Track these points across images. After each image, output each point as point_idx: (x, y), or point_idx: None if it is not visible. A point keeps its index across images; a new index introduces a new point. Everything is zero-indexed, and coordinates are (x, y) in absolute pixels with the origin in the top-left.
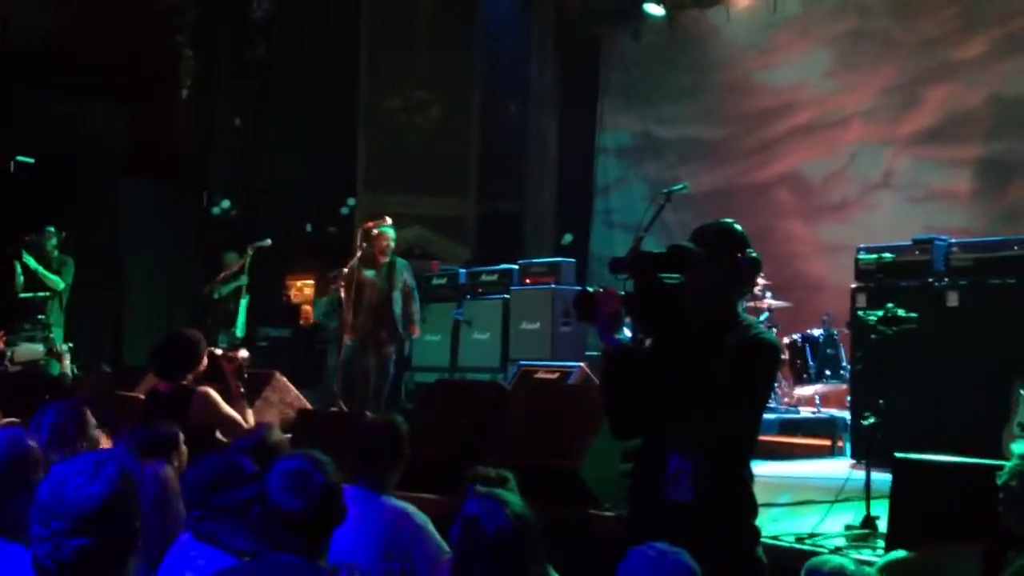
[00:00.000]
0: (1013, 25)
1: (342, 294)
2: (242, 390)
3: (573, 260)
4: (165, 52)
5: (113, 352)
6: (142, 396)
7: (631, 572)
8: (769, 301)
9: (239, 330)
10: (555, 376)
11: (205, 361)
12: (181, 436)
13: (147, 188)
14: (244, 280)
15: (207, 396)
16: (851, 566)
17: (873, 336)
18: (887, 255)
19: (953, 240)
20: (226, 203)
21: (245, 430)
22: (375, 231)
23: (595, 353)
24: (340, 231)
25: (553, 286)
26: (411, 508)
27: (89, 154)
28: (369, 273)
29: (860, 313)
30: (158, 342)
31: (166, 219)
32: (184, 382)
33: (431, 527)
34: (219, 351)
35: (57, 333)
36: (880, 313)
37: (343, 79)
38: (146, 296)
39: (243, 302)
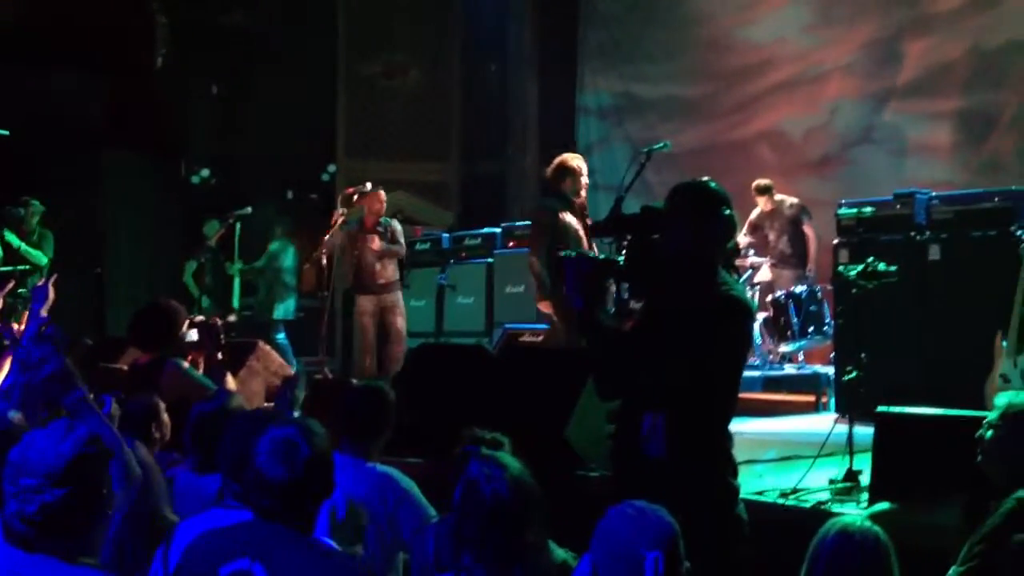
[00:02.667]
0: None
1: (324, 261)
2: (220, 356)
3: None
4: (140, 20)
5: (95, 324)
6: (124, 367)
7: (610, 530)
8: (752, 259)
9: (235, 300)
10: (540, 339)
11: (185, 331)
12: (162, 406)
13: (125, 158)
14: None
15: (176, 366)
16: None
17: (854, 291)
18: (867, 209)
19: (934, 193)
20: (205, 172)
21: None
22: (374, 191)
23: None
24: (321, 197)
25: None
26: (396, 473)
27: (66, 125)
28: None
29: (841, 268)
30: (135, 313)
31: (145, 189)
32: (165, 353)
33: (417, 491)
34: (199, 318)
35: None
36: (860, 267)
37: (321, 44)
38: (127, 267)
39: (235, 268)
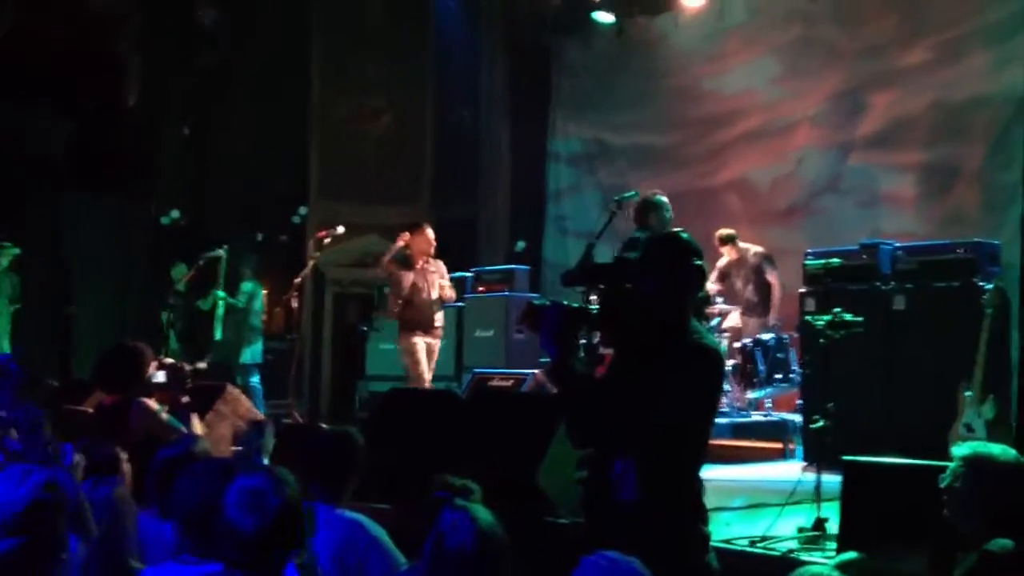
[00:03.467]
0: (952, 33)
1: (294, 304)
2: (185, 399)
3: (527, 268)
4: (112, 59)
5: (61, 366)
6: (90, 410)
7: None
8: (720, 307)
9: (217, 332)
10: (509, 384)
11: (153, 372)
12: (123, 456)
13: (94, 198)
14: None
15: (144, 406)
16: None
17: (821, 340)
18: (834, 260)
19: (899, 244)
20: (175, 213)
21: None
22: (420, 229)
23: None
24: (292, 240)
25: (507, 293)
26: (366, 519)
27: (33, 163)
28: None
29: (808, 317)
30: (101, 356)
31: (114, 229)
32: (131, 395)
33: (386, 538)
34: (167, 360)
35: (3, 344)
36: (828, 317)
37: (294, 86)
38: (94, 308)
39: (219, 309)
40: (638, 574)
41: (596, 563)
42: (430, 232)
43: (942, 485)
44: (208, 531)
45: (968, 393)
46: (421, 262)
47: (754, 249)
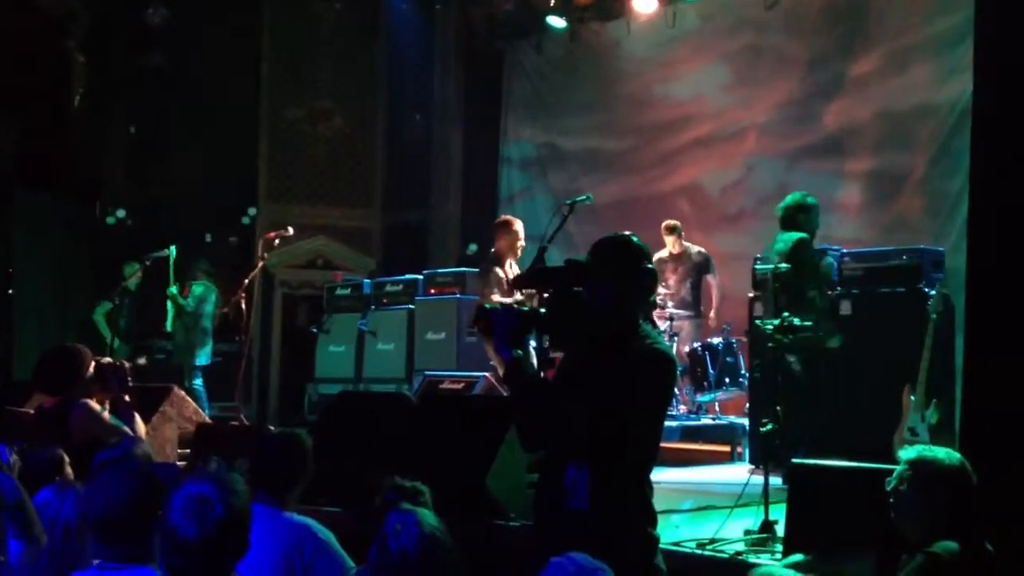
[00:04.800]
0: (898, 42)
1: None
2: (127, 398)
3: (478, 271)
4: (57, 59)
5: (2, 367)
6: (31, 411)
7: None
8: (671, 311)
9: (168, 324)
10: (460, 386)
11: (91, 373)
12: (66, 459)
13: (38, 198)
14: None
15: (86, 409)
16: (781, 572)
17: (770, 344)
18: (783, 265)
19: (845, 250)
20: (121, 213)
21: (130, 437)
22: (514, 227)
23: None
24: (241, 241)
25: (458, 296)
26: (314, 523)
27: None
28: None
29: (757, 322)
30: (38, 358)
31: (59, 230)
32: (71, 396)
33: (335, 543)
34: (105, 360)
35: None
36: (776, 322)
37: (244, 88)
38: (37, 310)
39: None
40: (605, 574)
41: (563, 567)
42: (519, 227)
43: (888, 488)
44: (126, 537)
45: (913, 397)
46: (509, 260)
47: (697, 248)
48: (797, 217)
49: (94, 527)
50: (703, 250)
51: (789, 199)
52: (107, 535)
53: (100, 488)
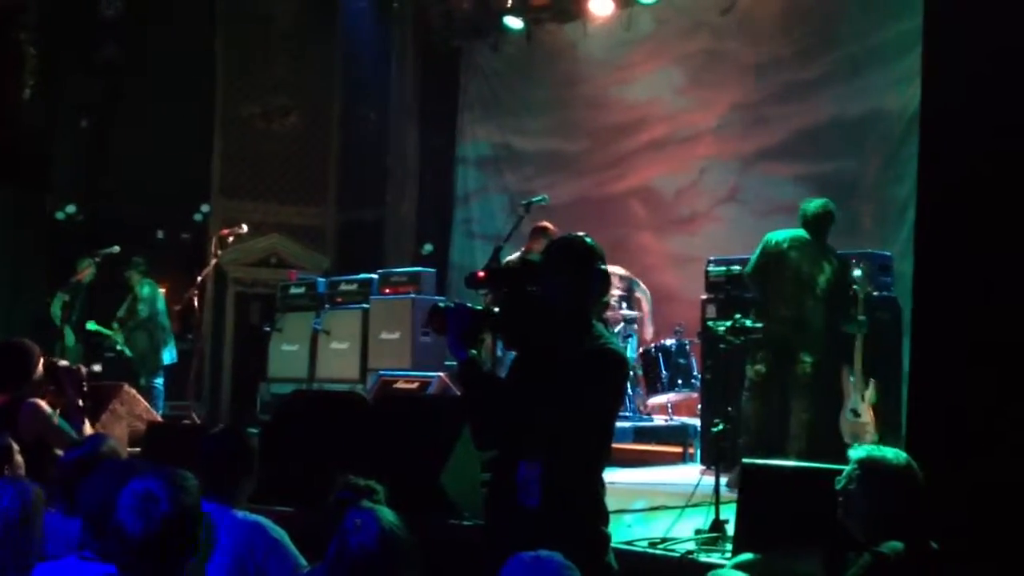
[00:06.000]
0: (851, 48)
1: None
2: (81, 403)
3: (433, 270)
4: (7, 50)
5: None
6: None
7: None
8: (624, 312)
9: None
10: (415, 386)
11: (41, 371)
12: (15, 448)
13: None
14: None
15: (36, 408)
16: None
17: (722, 346)
18: (735, 267)
19: None
20: (72, 208)
21: (77, 442)
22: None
23: (454, 363)
24: (193, 238)
25: (413, 296)
26: (266, 521)
27: None
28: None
29: (710, 323)
30: None
31: (7, 224)
32: (20, 394)
33: (287, 541)
34: (63, 363)
35: None
36: (728, 323)
37: (198, 83)
38: None
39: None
40: (562, 566)
41: (521, 560)
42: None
43: (837, 487)
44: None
45: (852, 378)
46: None
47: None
48: (829, 227)
49: (87, 521)
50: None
51: (822, 204)
52: (94, 529)
53: (96, 484)
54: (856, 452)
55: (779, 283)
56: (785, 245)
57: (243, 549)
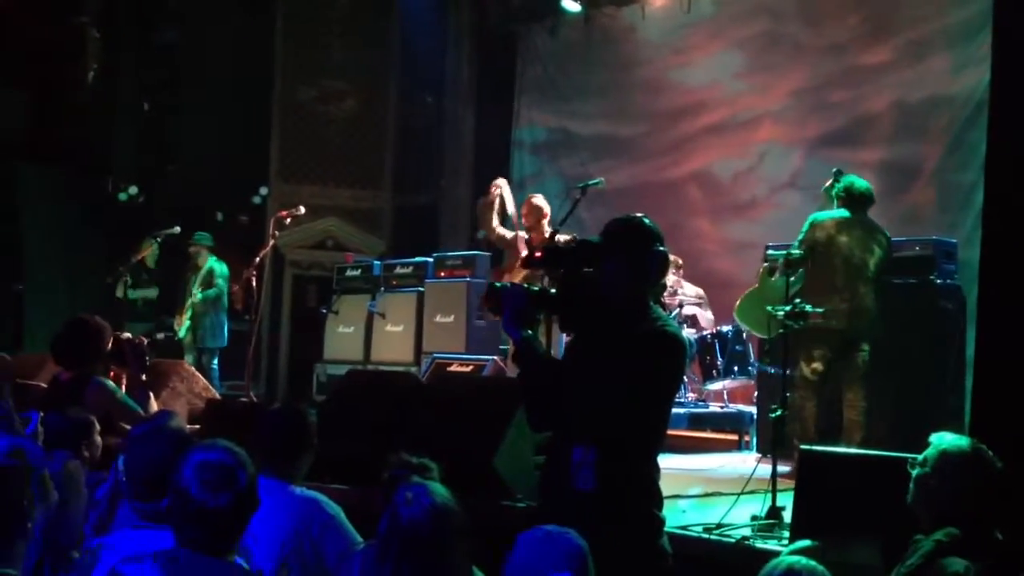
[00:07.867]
0: (914, 33)
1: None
2: (144, 377)
3: (488, 254)
4: (70, 34)
5: (14, 340)
6: (43, 384)
7: (518, 556)
8: (681, 297)
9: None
10: (469, 369)
11: (110, 347)
12: (96, 425)
13: (49, 173)
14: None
15: (102, 385)
16: (800, 561)
17: (780, 330)
18: (795, 252)
19: None
20: (133, 189)
21: (143, 418)
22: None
23: (508, 347)
24: (252, 220)
25: (468, 279)
26: (322, 498)
27: None
28: None
29: (768, 308)
30: (59, 329)
31: (70, 205)
32: (88, 371)
33: (343, 517)
34: (126, 335)
35: None
36: (787, 308)
37: (257, 67)
38: (48, 284)
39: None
40: (573, 543)
41: (531, 536)
42: (535, 200)
43: (912, 472)
44: (159, 496)
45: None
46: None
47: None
48: (869, 207)
49: (133, 486)
50: (700, 291)
51: (866, 185)
52: (144, 493)
53: (141, 450)
54: (935, 438)
55: (830, 272)
56: (833, 229)
57: (300, 524)
